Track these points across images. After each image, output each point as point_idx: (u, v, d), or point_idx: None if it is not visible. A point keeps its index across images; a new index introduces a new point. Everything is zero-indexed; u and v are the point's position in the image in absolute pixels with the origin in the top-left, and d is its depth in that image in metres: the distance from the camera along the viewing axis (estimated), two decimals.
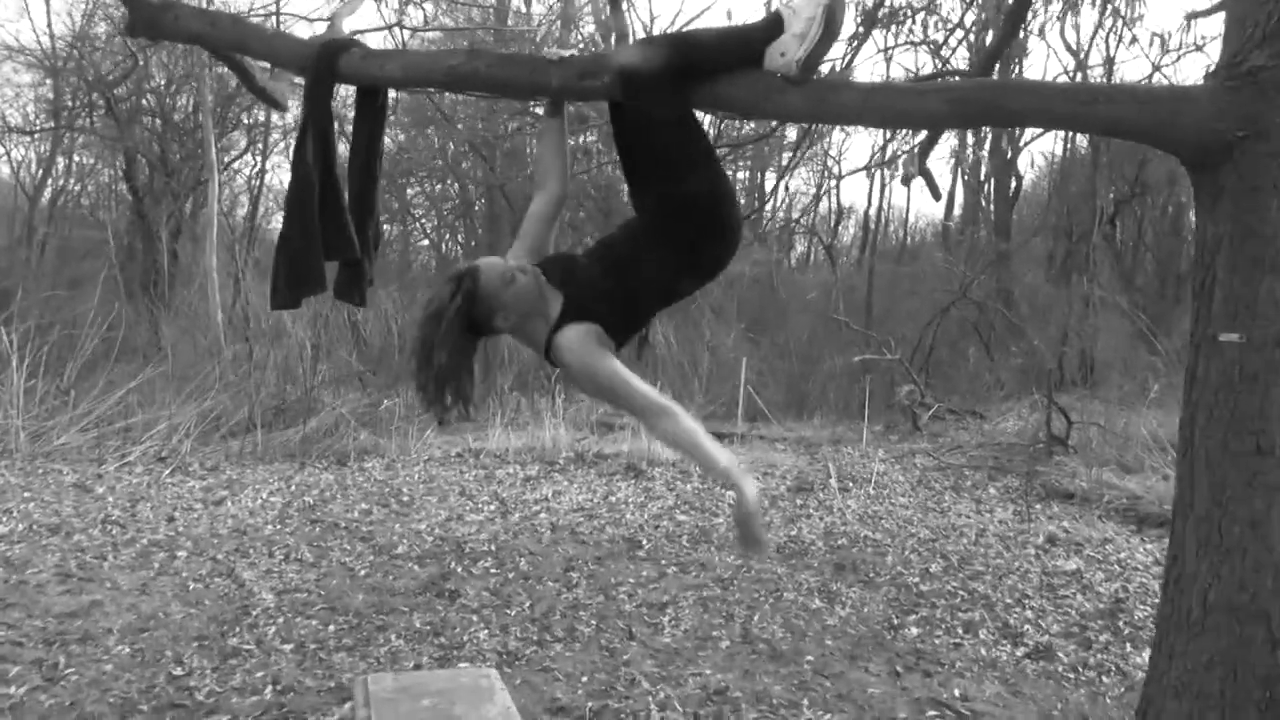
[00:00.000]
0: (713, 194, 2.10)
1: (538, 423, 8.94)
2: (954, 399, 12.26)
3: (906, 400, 11.09)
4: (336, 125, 2.50)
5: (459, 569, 5.21)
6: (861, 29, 4.68)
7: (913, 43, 4.54)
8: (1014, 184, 18.72)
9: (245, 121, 20.09)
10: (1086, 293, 13.96)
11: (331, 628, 4.26)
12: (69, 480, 6.69)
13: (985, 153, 19.08)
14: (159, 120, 18.04)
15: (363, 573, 5.06)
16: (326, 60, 2.31)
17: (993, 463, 8.52)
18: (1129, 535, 6.27)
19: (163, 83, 17.42)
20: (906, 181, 4.32)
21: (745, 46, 2.24)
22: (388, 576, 5.01)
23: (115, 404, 8.19)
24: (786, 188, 24.03)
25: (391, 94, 2.83)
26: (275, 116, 20.98)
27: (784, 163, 17.53)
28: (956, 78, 4.12)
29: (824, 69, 4.43)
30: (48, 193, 21.04)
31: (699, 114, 2.35)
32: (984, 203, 20.31)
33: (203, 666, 3.72)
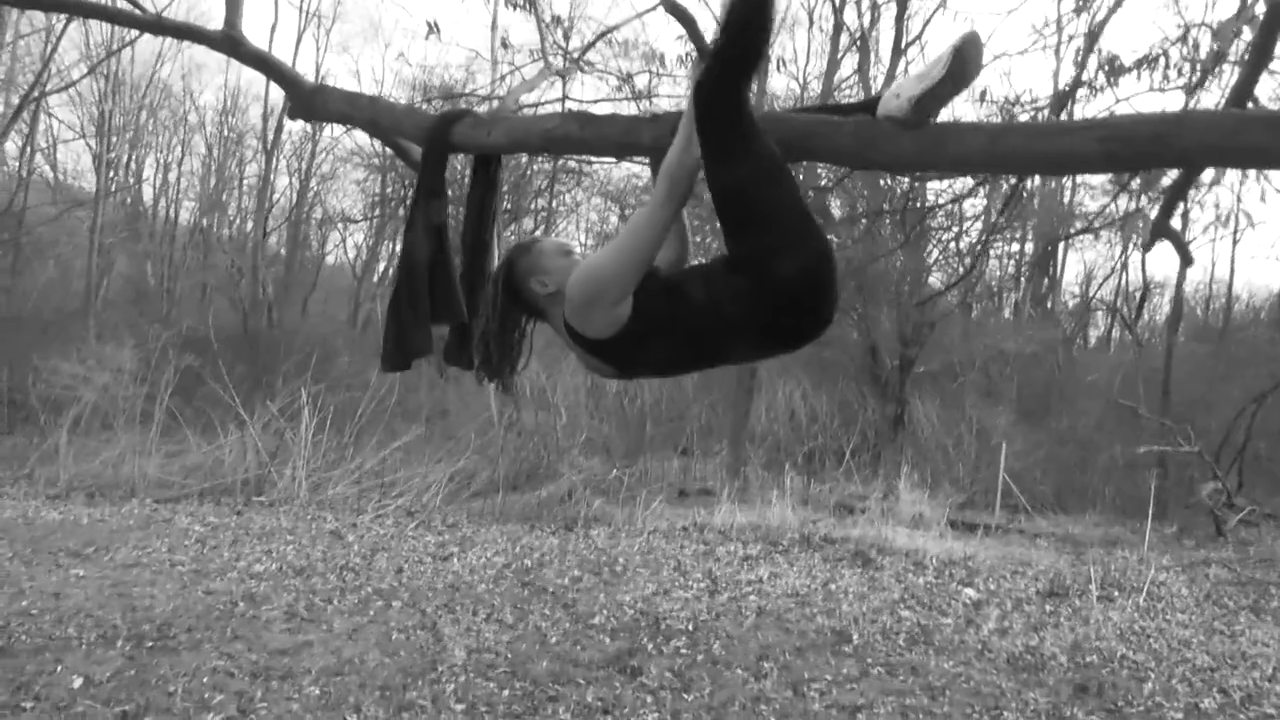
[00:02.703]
0: (788, 260, 1.87)
1: (767, 500, 8.66)
2: (1276, 503, 10.39)
3: (1209, 500, 9.55)
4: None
5: (650, 646, 5.07)
6: (1106, 75, 4.16)
7: (1161, 89, 3.95)
8: None
9: (534, 207, 21.96)
10: None
11: (506, 692, 4.28)
12: (329, 528, 7.39)
13: None
14: (461, 207, 20.15)
15: (554, 640, 5.07)
16: (441, 131, 2.38)
17: None
18: None
19: (465, 171, 19.45)
20: (1148, 247, 3.72)
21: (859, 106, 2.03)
22: (576, 646, 4.98)
23: (383, 460, 8.99)
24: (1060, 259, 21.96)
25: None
26: (564, 208, 22.76)
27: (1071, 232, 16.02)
28: None
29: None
30: (378, 273, 24.09)
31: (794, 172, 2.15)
32: None
33: (376, 716, 3.86)
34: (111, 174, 21.60)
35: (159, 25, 2.52)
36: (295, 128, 22.36)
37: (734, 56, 1.83)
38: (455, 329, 2.47)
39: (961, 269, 9.71)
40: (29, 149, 19.39)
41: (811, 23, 17.89)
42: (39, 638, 4.55)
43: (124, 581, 5.58)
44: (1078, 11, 4.17)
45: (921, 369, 13.75)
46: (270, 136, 21.98)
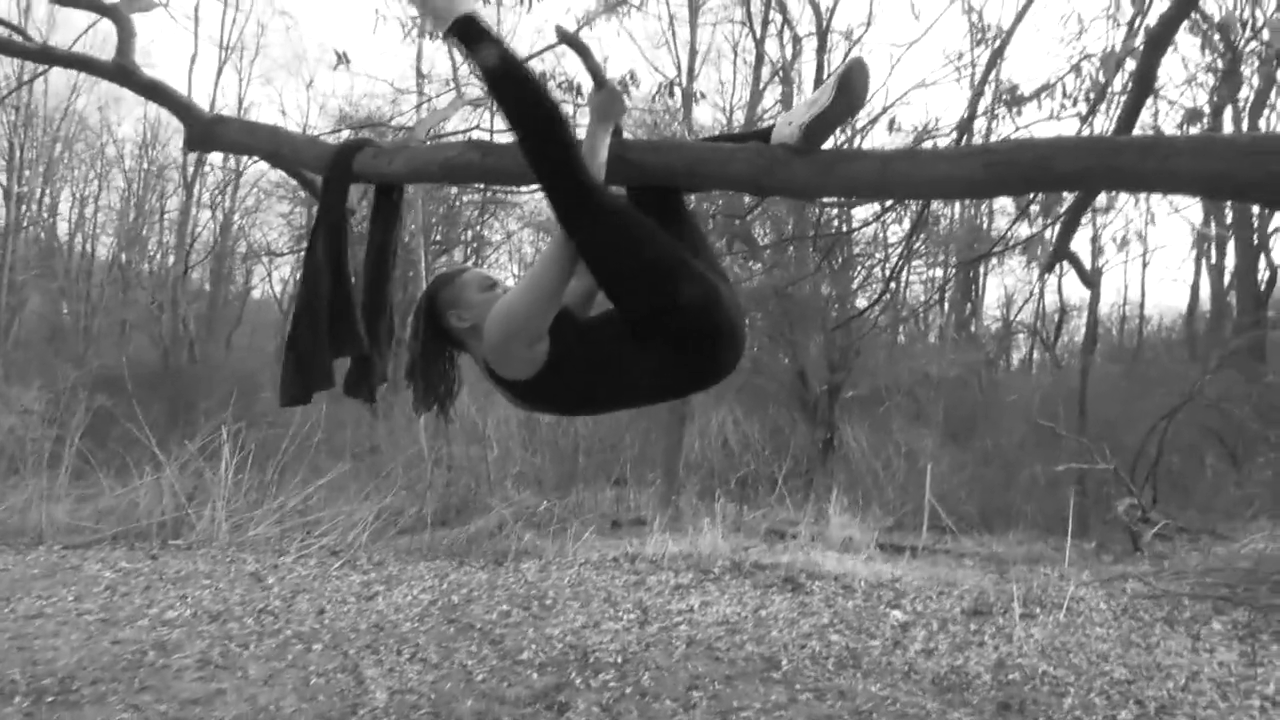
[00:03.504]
0: (667, 308, 1.88)
1: (699, 528, 8.66)
2: (1188, 516, 10.76)
3: (1125, 516, 9.83)
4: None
5: (578, 680, 5.00)
6: (1006, 104, 4.31)
7: (1057, 117, 4.11)
8: (1267, 271, 16.71)
9: (465, 239, 21.84)
10: None
11: None
12: (248, 570, 7.15)
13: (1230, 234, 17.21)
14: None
15: (480, 677, 4.97)
16: (341, 160, 2.35)
17: (1224, 592, 7.28)
18: None
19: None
20: (1049, 269, 3.85)
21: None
22: (503, 683, 4.89)
23: (307, 498, 8.76)
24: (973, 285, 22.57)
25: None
26: (497, 236, 22.70)
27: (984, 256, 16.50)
28: None
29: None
30: None
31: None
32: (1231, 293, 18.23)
33: None
34: (24, 208, 20.91)
35: (46, 55, 2.44)
36: (218, 160, 21.97)
37: (526, 138, 1.86)
38: (355, 361, 2.42)
39: (886, 294, 9.93)
40: None
41: (735, 54, 18.27)
42: None
43: (25, 634, 5.31)
44: (980, 43, 4.33)
45: (850, 394, 13.96)
46: (190, 170, 21.53)
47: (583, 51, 2.04)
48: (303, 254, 2.46)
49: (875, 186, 2.01)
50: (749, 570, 7.66)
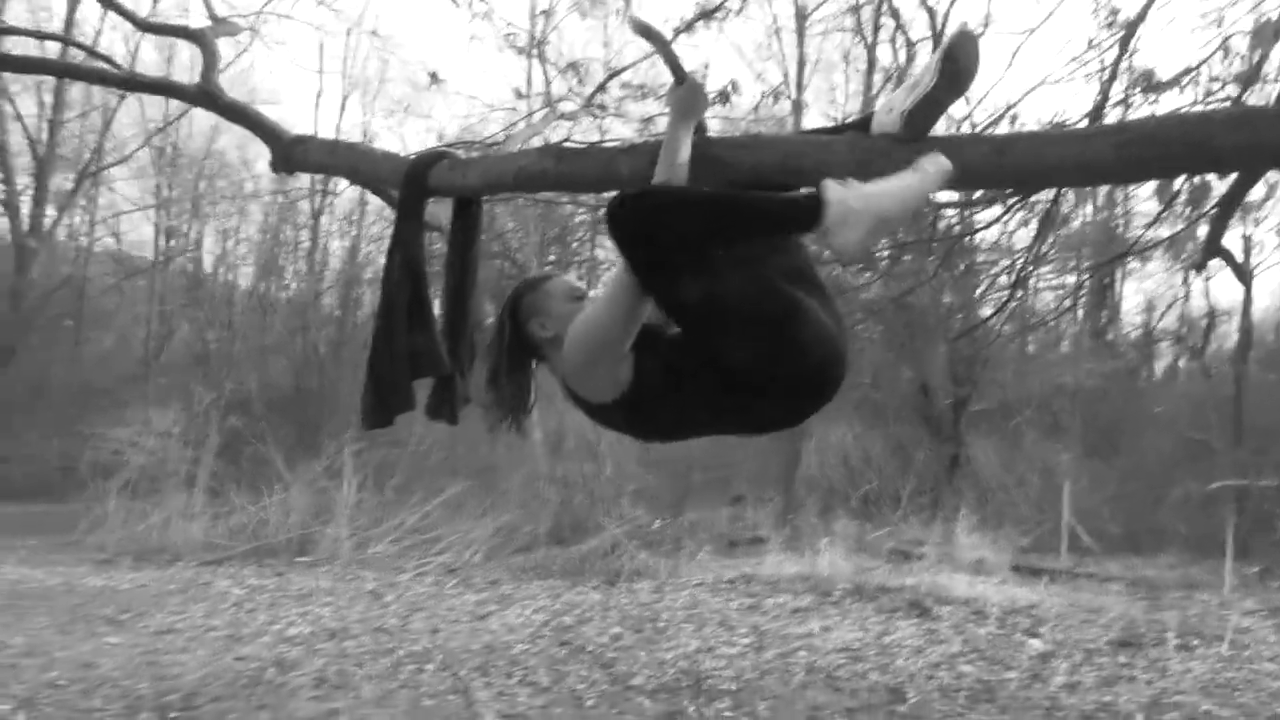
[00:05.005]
0: (717, 306, 1.70)
1: (818, 548, 8.33)
2: None
3: None
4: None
5: (691, 708, 4.81)
6: (1142, 91, 3.94)
7: (1202, 103, 3.70)
8: None
9: (578, 259, 22.06)
10: None
11: None
12: (368, 587, 7.28)
13: None
14: (508, 263, 20.41)
15: (590, 703, 4.85)
16: (416, 174, 2.27)
17: None
18: None
19: (510, 228, 19.74)
20: (1200, 268, 3.47)
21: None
22: (614, 709, 4.75)
23: (425, 516, 8.89)
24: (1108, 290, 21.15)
25: None
26: (605, 254, 22.82)
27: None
28: None
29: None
30: None
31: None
32: None
33: None
34: (171, 243, 22.33)
35: (131, 81, 2.49)
36: (352, 194, 22.92)
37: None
38: (437, 382, 2.34)
39: (1012, 301, 9.34)
40: (91, 221, 20.26)
41: (846, 63, 17.81)
42: (65, 710, 4.47)
43: (156, 649, 5.51)
44: (1110, 25, 3.97)
45: (977, 407, 13.30)
46: (318, 200, 22.53)
47: (661, 44, 1.91)
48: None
49: (993, 174, 1.79)
50: (872, 593, 7.30)
